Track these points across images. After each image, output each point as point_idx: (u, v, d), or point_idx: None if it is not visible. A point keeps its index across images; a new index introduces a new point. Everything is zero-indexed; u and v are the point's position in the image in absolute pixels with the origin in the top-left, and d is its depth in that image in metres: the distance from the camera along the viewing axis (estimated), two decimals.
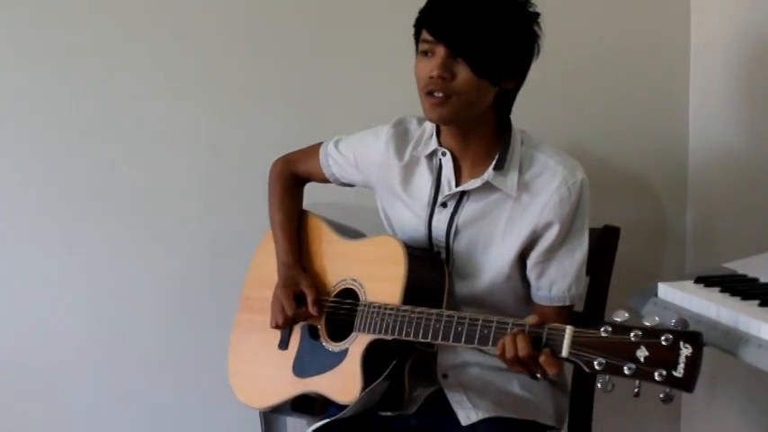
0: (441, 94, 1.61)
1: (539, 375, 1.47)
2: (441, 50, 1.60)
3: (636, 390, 1.28)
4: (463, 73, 1.59)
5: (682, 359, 1.24)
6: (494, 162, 1.69)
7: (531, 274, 1.74)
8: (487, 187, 1.68)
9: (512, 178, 1.68)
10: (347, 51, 2.21)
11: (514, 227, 1.70)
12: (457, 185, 1.73)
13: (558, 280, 1.73)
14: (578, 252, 1.72)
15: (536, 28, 1.66)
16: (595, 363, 1.32)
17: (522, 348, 1.40)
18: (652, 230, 2.37)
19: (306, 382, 1.74)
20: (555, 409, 1.77)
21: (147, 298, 2.21)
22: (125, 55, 2.15)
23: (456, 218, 1.73)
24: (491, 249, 1.73)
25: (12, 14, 2.08)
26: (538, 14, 1.65)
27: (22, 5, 2.09)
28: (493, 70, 1.61)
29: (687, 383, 1.23)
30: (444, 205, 1.73)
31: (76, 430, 2.22)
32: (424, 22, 1.65)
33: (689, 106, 2.35)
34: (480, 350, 1.61)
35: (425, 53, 1.64)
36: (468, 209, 1.72)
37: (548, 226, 1.67)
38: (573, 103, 2.27)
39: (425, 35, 1.63)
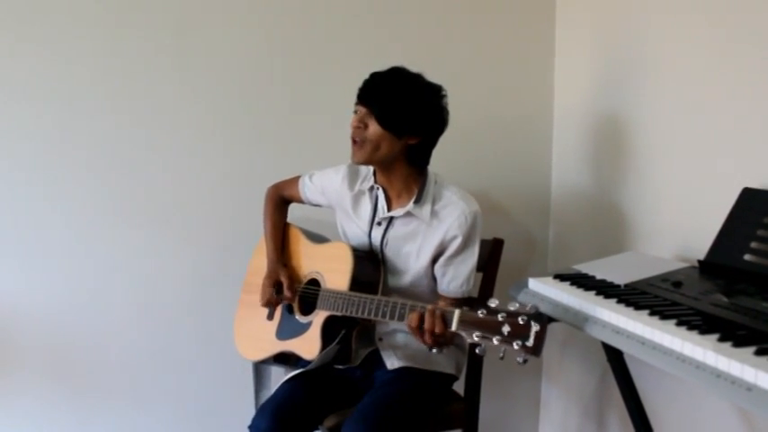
0: (357, 139, 1.85)
1: (434, 350, 1.67)
2: (362, 109, 1.86)
3: (501, 354, 1.47)
4: (372, 125, 1.84)
5: (532, 334, 1.43)
6: (414, 197, 1.90)
7: (438, 273, 1.93)
8: (409, 215, 1.91)
9: (426, 209, 1.90)
10: (319, 111, 2.45)
11: (426, 243, 1.91)
12: (389, 211, 1.94)
13: (454, 279, 1.92)
14: (470, 261, 1.92)
15: (436, 101, 1.86)
16: (474, 335, 1.51)
17: (428, 322, 1.63)
18: (526, 242, 2.67)
19: (284, 343, 1.99)
20: (456, 363, 2.02)
21: (175, 282, 2.43)
22: (156, 85, 2.33)
23: (387, 233, 1.94)
24: (411, 257, 1.92)
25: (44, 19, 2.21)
26: (438, 88, 1.87)
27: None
28: (394, 125, 1.83)
29: (535, 350, 1.44)
30: (379, 224, 1.95)
31: (121, 371, 2.43)
32: (358, 95, 1.91)
33: (552, 158, 2.66)
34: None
35: (355, 112, 1.89)
36: (396, 228, 1.94)
37: (453, 239, 1.88)
38: (473, 156, 2.55)
39: (357, 101, 1.90)
